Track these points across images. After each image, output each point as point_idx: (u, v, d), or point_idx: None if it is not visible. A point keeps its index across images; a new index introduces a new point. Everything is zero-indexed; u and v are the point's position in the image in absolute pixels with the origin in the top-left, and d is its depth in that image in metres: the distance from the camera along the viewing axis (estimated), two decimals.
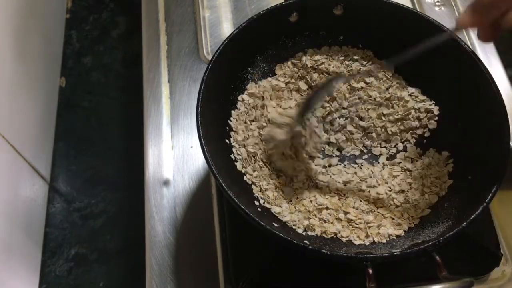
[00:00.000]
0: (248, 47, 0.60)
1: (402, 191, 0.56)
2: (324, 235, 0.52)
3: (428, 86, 0.60)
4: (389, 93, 0.61)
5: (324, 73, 0.62)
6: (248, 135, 0.58)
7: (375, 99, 0.61)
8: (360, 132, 0.61)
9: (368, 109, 0.61)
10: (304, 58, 0.62)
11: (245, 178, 0.55)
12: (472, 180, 0.53)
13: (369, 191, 0.56)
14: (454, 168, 0.56)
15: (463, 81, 0.57)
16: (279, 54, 0.63)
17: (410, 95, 0.61)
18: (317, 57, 0.62)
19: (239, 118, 0.59)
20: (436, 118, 0.59)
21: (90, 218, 0.77)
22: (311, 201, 0.55)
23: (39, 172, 0.76)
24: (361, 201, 0.55)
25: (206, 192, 0.63)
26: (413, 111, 0.60)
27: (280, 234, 0.46)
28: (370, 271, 0.45)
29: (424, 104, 0.60)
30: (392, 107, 0.60)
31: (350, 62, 0.62)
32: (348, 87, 0.62)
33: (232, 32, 0.56)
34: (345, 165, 0.60)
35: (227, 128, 0.58)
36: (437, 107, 0.59)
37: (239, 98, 0.60)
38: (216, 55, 0.55)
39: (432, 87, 0.60)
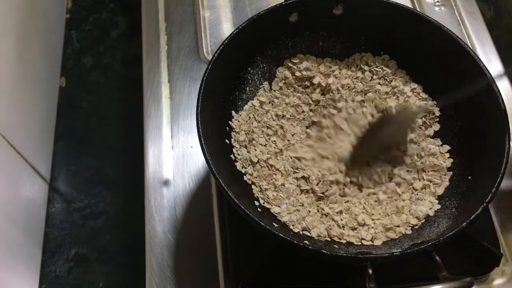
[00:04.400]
0: (248, 47, 0.60)
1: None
2: (327, 238, 0.52)
3: (428, 84, 0.60)
4: (391, 86, 0.61)
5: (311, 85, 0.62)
6: (252, 138, 0.58)
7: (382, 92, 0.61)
8: None
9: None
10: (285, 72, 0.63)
11: (245, 178, 0.55)
12: (472, 180, 0.53)
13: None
14: (453, 168, 0.56)
15: (463, 81, 0.57)
16: (279, 54, 0.63)
17: (412, 90, 0.61)
18: (305, 63, 0.62)
19: (241, 119, 0.59)
20: (438, 119, 0.59)
21: (90, 218, 0.77)
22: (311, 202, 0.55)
23: (39, 172, 0.76)
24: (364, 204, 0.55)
25: (206, 192, 0.63)
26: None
27: (280, 234, 0.46)
28: (370, 271, 0.45)
29: (426, 104, 0.60)
30: (397, 100, 0.60)
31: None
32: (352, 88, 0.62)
33: (232, 32, 0.56)
34: None
35: (227, 128, 0.58)
36: (438, 108, 0.59)
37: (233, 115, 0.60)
38: (216, 55, 0.55)
39: (432, 86, 0.60)
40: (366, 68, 0.62)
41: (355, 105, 0.60)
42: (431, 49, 0.58)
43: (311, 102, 0.62)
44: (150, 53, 0.73)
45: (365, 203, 0.55)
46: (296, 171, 0.57)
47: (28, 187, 0.72)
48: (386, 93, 0.61)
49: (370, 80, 0.62)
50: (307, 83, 0.62)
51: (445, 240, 0.45)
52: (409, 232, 0.52)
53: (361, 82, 0.62)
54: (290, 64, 0.63)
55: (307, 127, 0.61)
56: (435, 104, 0.60)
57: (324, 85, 0.62)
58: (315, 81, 0.61)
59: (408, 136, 0.58)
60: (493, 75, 0.53)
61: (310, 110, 0.62)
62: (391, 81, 0.61)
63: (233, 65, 0.59)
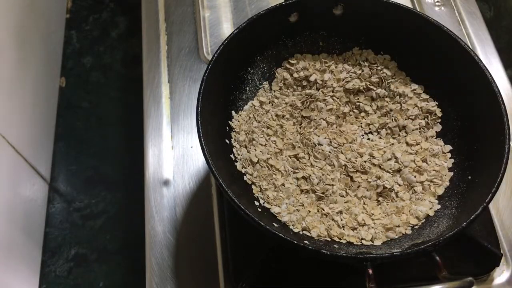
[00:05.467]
0: (248, 47, 0.60)
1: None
2: (327, 238, 0.52)
3: (428, 85, 0.60)
4: (391, 90, 0.61)
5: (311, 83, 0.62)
6: (252, 138, 0.58)
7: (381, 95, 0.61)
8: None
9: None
10: (284, 74, 0.63)
11: (245, 178, 0.55)
12: (472, 180, 0.53)
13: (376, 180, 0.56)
14: (454, 168, 0.56)
15: (463, 81, 0.57)
16: (279, 54, 0.63)
17: (413, 91, 0.61)
18: (302, 63, 0.62)
19: (241, 119, 0.59)
20: (439, 120, 0.59)
21: (90, 218, 0.77)
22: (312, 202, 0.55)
23: (39, 172, 0.76)
24: (365, 203, 0.55)
25: (206, 192, 0.63)
26: (416, 109, 0.60)
27: (280, 234, 0.46)
28: (370, 271, 0.45)
29: (427, 104, 0.60)
30: (401, 107, 0.60)
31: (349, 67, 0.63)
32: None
33: (232, 32, 0.56)
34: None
35: (227, 128, 0.58)
36: (440, 109, 0.59)
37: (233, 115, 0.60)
38: (216, 55, 0.55)
39: (432, 86, 0.60)
40: (365, 64, 0.62)
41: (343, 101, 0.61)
42: (431, 49, 0.59)
43: (305, 96, 0.62)
44: (150, 53, 0.73)
45: (365, 203, 0.55)
46: (296, 171, 0.57)
47: (28, 187, 0.72)
48: (385, 96, 0.61)
49: (368, 77, 0.62)
50: (304, 83, 0.62)
51: (445, 240, 0.45)
52: (409, 232, 0.52)
53: (358, 78, 0.62)
54: (288, 66, 0.63)
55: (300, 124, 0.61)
56: (436, 105, 0.60)
57: (321, 82, 0.62)
58: (312, 78, 0.62)
59: None
60: (493, 75, 0.53)
61: (302, 104, 0.62)
62: (390, 85, 0.61)
63: (233, 65, 0.59)
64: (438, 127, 0.59)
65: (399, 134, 0.60)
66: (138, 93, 0.71)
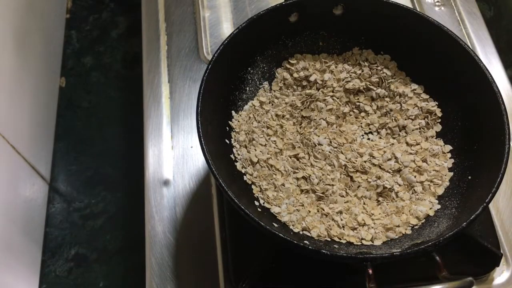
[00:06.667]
0: (248, 47, 0.60)
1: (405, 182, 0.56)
2: (327, 238, 0.52)
3: (428, 85, 0.61)
4: (391, 90, 0.61)
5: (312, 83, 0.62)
6: (252, 138, 0.58)
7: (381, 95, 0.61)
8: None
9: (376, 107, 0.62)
10: (284, 74, 0.63)
11: (245, 178, 0.55)
12: (472, 180, 0.53)
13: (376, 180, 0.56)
14: (454, 168, 0.56)
15: (463, 81, 0.57)
16: (279, 54, 0.63)
17: (412, 91, 0.61)
18: (302, 63, 0.62)
19: (241, 119, 0.59)
20: (440, 120, 0.59)
21: (90, 218, 0.77)
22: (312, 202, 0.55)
23: (39, 172, 0.76)
24: (365, 203, 0.55)
25: (206, 192, 0.63)
26: (416, 109, 0.60)
27: (280, 234, 0.46)
28: (370, 271, 0.45)
29: (427, 104, 0.60)
30: (401, 107, 0.60)
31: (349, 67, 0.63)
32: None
33: (232, 32, 0.56)
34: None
35: (227, 128, 0.58)
36: (439, 109, 0.59)
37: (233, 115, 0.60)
38: (216, 55, 0.55)
39: (432, 86, 0.60)
40: (365, 64, 0.62)
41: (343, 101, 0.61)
42: (431, 49, 0.59)
43: (305, 96, 0.62)
44: (150, 53, 0.73)
45: (365, 203, 0.55)
46: (296, 171, 0.57)
47: (28, 187, 0.72)
48: (385, 96, 0.61)
49: (368, 77, 0.62)
50: (304, 83, 0.62)
51: (445, 240, 0.45)
52: (409, 232, 0.52)
53: (358, 78, 0.62)
54: (288, 66, 0.63)
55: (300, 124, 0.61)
56: (436, 105, 0.60)
57: (320, 82, 0.62)
58: (312, 78, 0.62)
59: None
60: (493, 75, 0.53)
61: (302, 104, 0.62)
62: (390, 85, 0.61)
63: (233, 65, 0.59)
64: (438, 127, 0.59)
65: (399, 134, 0.60)
66: (138, 93, 0.71)
